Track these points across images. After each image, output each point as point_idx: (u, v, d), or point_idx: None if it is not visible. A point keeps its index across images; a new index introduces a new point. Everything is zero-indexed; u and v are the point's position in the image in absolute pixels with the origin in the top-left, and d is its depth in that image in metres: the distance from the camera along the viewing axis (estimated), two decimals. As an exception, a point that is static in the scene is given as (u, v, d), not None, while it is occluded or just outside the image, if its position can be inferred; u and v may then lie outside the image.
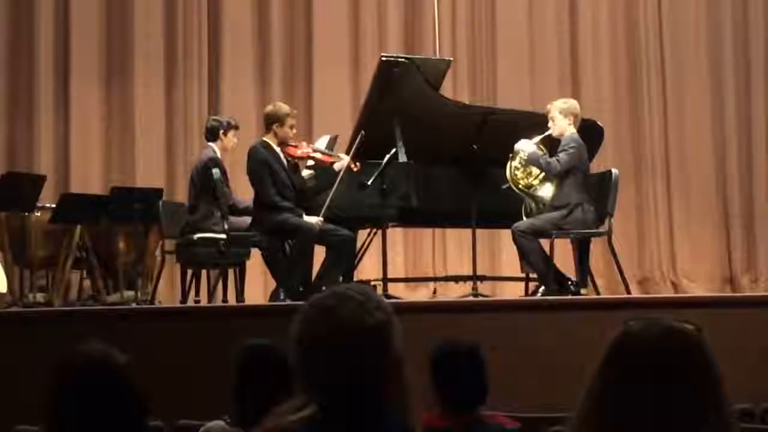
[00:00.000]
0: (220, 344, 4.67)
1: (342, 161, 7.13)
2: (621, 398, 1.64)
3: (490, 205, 7.29)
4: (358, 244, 7.64)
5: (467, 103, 8.59)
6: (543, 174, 7.10)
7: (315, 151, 7.31)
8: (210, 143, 7.54)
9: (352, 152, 7.11)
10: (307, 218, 7.05)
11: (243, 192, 7.68)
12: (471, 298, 7.21)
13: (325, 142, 7.57)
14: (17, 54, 9.62)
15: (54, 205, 7.86)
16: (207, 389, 4.50)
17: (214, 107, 9.62)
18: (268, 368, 3.19)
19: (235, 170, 7.87)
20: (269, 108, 7.38)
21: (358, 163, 7.10)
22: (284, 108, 7.29)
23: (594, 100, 9.79)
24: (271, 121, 7.18)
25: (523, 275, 7.52)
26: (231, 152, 7.69)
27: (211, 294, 7.75)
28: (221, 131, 7.49)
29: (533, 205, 7.18)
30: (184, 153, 9.60)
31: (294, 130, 7.28)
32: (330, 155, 7.30)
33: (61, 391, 1.97)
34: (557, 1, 10.12)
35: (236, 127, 7.57)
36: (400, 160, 7.14)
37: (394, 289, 7.79)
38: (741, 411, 4.62)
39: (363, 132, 7.11)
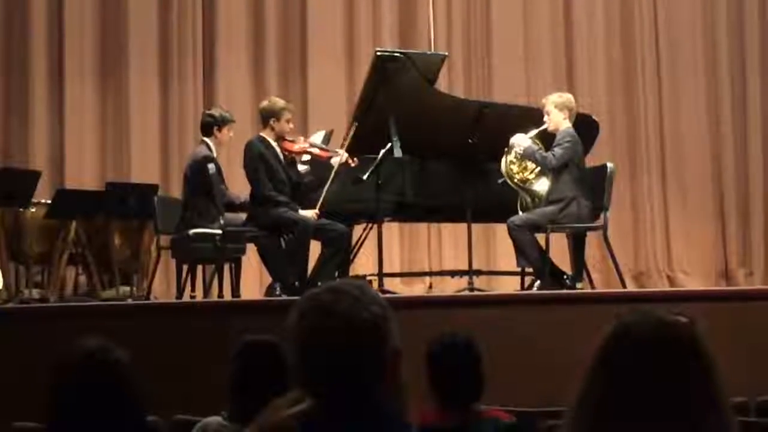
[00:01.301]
0: (216, 339, 4.68)
1: (339, 156, 7.13)
2: (616, 392, 1.64)
3: (485, 199, 7.30)
4: (354, 239, 7.64)
5: (462, 97, 8.59)
6: (538, 168, 7.10)
7: (312, 146, 7.30)
8: (205, 138, 7.52)
9: (346, 143, 7.11)
10: (302, 212, 7.05)
11: (240, 187, 7.67)
12: (467, 293, 7.21)
13: (321, 137, 7.56)
14: (12, 49, 9.61)
15: (49, 201, 7.85)
16: (204, 384, 4.51)
17: (209, 103, 9.61)
18: (265, 363, 3.19)
19: (231, 165, 7.86)
20: (264, 103, 7.36)
21: (355, 158, 7.10)
22: (280, 103, 7.28)
23: (589, 94, 9.79)
24: (268, 117, 7.18)
25: (519, 269, 7.52)
26: (226, 146, 7.67)
27: (206, 289, 7.75)
28: (215, 127, 7.45)
29: (528, 199, 7.18)
30: (179, 148, 9.60)
31: (291, 125, 7.27)
32: (327, 150, 7.29)
33: (60, 387, 1.97)
34: (552, -5, 10.14)
35: (232, 121, 7.53)
36: (396, 155, 7.13)
37: (389, 284, 7.80)
38: (736, 405, 4.62)
39: (356, 123, 7.12)
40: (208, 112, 7.74)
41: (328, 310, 1.78)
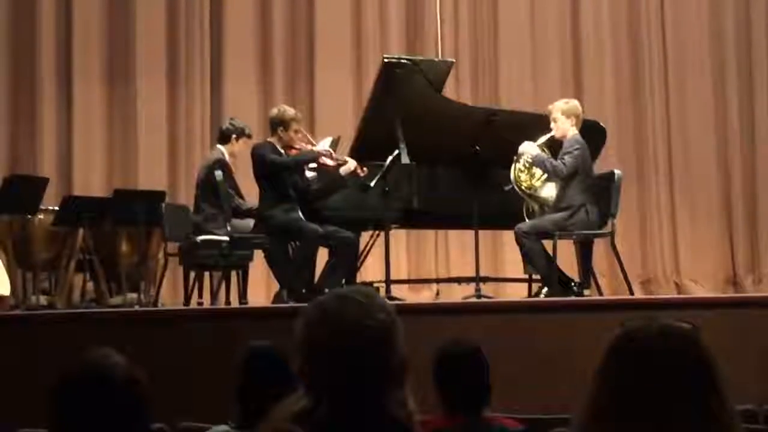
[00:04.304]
0: (223, 346, 4.67)
1: (348, 165, 7.13)
2: (621, 399, 1.64)
3: (492, 206, 7.29)
4: (361, 246, 7.64)
5: (469, 104, 8.59)
6: (545, 175, 7.09)
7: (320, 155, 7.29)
8: (219, 145, 7.55)
9: (382, 172, 7.07)
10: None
11: (249, 195, 7.66)
12: (474, 300, 7.21)
13: (328, 144, 7.56)
14: (20, 57, 9.63)
15: (57, 208, 7.86)
16: (210, 391, 4.51)
17: (217, 110, 9.64)
18: (271, 370, 3.19)
19: (240, 175, 7.85)
20: (274, 111, 7.35)
21: (364, 168, 7.11)
22: (289, 112, 7.26)
23: (596, 100, 9.79)
24: (276, 125, 7.18)
25: (526, 276, 7.52)
26: (237, 158, 7.66)
27: (213, 296, 7.75)
28: (234, 136, 7.52)
29: (537, 207, 7.17)
30: (187, 155, 9.62)
31: (299, 135, 7.27)
32: (336, 159, 7.28)
33: (63, 396, 1.96)
34: (559, 1, 10.13)
35: (249, 136, 7.59)
36: (403, 162, 7.14)
37: (397, 290, 7.78)
38: (744, 412, 4.61)
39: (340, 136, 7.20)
40: (231, 120, 7.79)
41: (335, 318, 1.78)
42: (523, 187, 7.14)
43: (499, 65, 10.02)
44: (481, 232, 7.43)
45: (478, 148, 7.24)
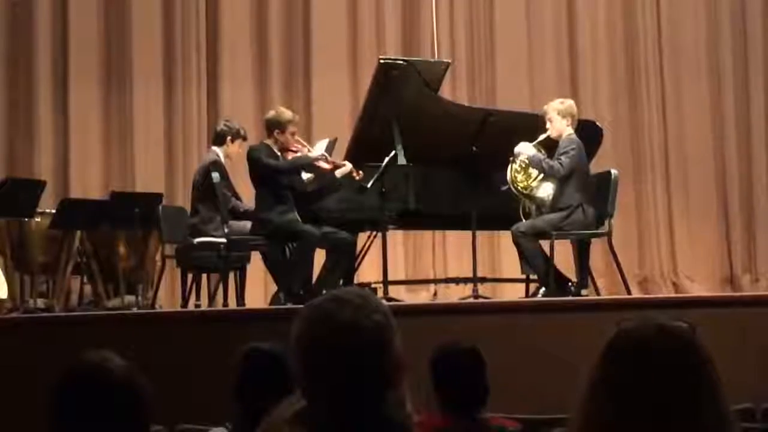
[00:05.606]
0: (221, 348, 4.67)
1: (344, 168, 7.14)
2: (618, 398, 1.65)
3: (489, 206, 7.29)
4: (358, 247, 7.64)
5: (466, 104, 8.59)
6: (541, 175, 7.10)
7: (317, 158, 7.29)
8: (215, 147, 7.55)
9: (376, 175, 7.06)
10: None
11: (244, 196, 7.67)
12: (471, 300, 7.21)
13: (324, 146, 7.56)
14: (16, 60, 9.63)
15: (54, 211, 7.85)
16: (208, 393, 4.51)
17: (213, 112, 9.63)
18: (269, 372, 3.19)
19: (235, 177, 7.87)
20: (271, 113, 7.36)
21: (360, 172, 7.11)
22: (286, 114, 7.26)
23: (592, 99, 9.80)
24: (273, 127, 7.18)
25: (524, 277, 7.52)
26: (233, 160, 7.67)
27: (211, 298, 7.75)
28: (229, 137, 7.50)
29: (532, 207, 7.17)
30: (184, 158, 9.61)
31: (295, 137, 7.28)
32: (332, 162, 7.28)
33: (62, 400, 1.96)
34: (555, 0, 10.13)
35: (244, 138, 7.58)
36: (400, 163, 7.15)
37: (394, 291, 7.79)
38: (741, 411, 4.62)
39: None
40: (226, 122, 7.77)
41: (331, 319, 1.79)
42: (519, 188, 7.15)
43: (495, 65, 10.02)
44: (478, 233, 7.43)
45: (475, 148, 7.24)
